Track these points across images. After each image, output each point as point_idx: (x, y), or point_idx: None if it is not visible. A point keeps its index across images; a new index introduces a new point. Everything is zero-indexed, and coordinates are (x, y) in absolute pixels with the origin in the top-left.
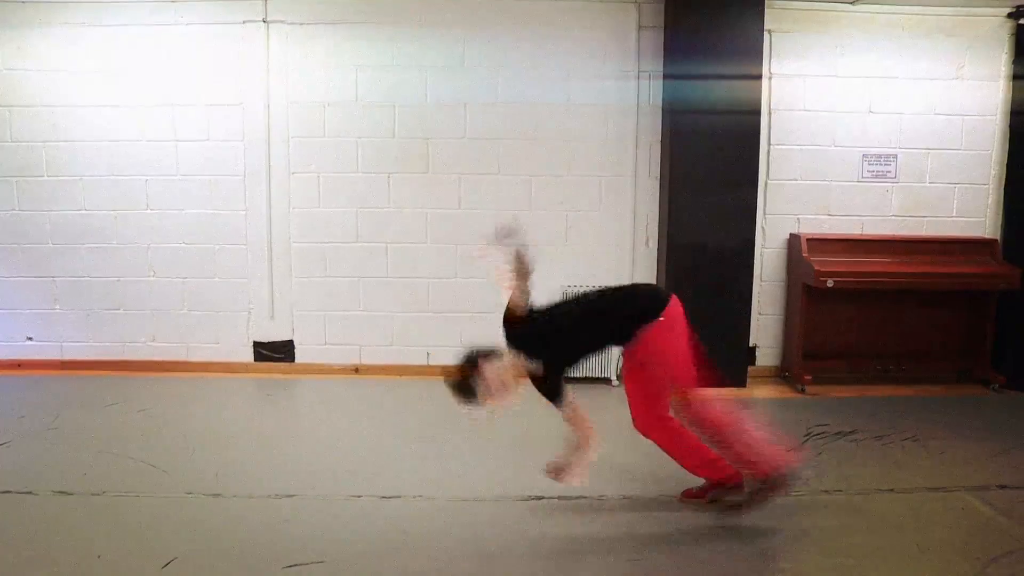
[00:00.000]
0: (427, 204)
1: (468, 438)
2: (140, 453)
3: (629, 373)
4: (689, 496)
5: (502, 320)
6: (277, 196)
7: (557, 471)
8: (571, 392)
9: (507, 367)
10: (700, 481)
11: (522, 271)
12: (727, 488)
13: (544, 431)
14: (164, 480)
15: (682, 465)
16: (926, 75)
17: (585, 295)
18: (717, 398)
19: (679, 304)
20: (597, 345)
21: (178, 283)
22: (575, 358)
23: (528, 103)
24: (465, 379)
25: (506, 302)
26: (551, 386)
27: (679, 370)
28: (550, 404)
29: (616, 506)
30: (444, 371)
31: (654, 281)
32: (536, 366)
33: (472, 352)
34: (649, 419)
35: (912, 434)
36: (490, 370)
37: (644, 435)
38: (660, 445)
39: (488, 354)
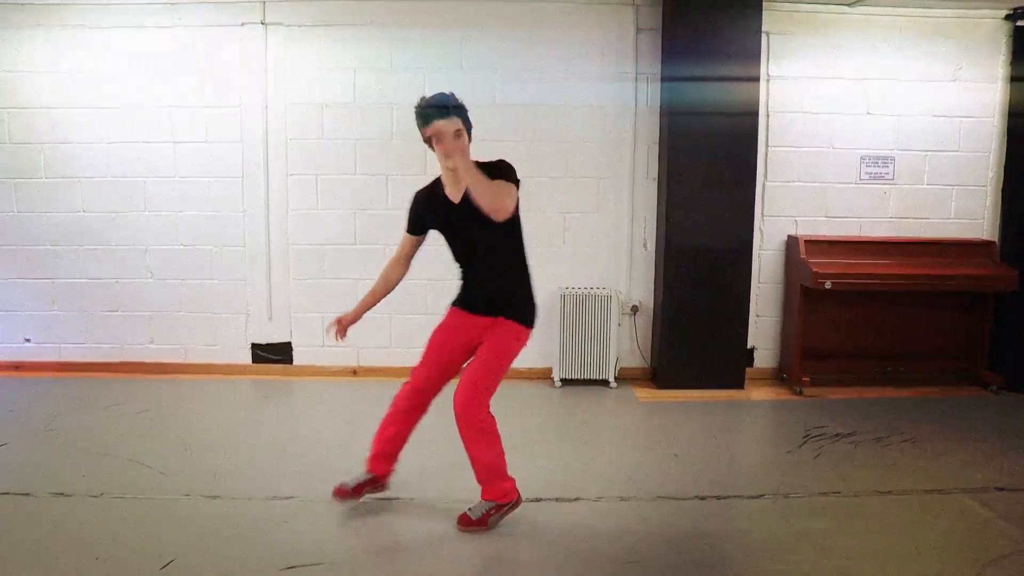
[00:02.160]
0: None
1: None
2: (138, 455)
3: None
4: (467, 524)
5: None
6: (275, 198)
7: None
8: None
9: (472, 164)
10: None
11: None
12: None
13: (541, 433)
14: (162, 482)
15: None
16: (924, 77)
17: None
18: None
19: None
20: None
21: (176, 285)
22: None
23: (526, 105)
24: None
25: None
26: None
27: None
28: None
29: (614, 507)
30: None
31: (652, 284)
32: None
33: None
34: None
35: (910, 436)
36: (465, 143)
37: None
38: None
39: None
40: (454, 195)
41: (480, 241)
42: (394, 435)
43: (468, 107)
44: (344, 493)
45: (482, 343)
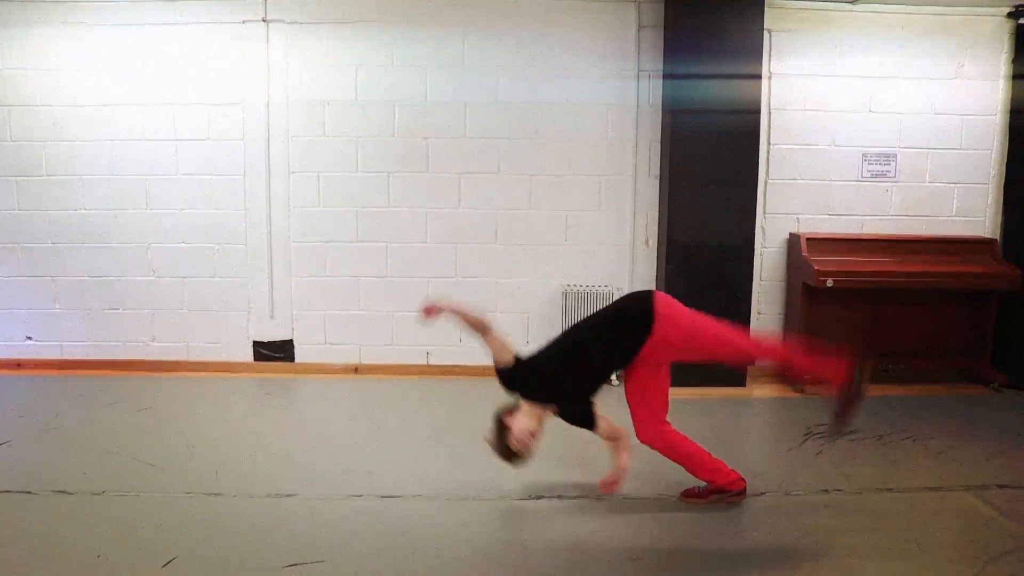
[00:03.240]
0: (427, 203)
1: (467, 438)
2: (140, 452)
3: (634, 383)
4: (689, 496)
5: (495, 370)
6: (277, 196)
7: (608, 485)
8: (600, 412)
9: (529, 413)
10: (700, 481)
11: (477, 326)
12: (729, 493)
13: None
14: (164, 479)
15: (686, 469)
16: (926, 75)
17: (572, 330)
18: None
19: (665, 297)
20: (597, 374)
21: (178, 283)
22: (579, 392)
23: (528, 102)
24: (501, 442)
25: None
26: (573, 418)
27: (708, 346)
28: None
29: (616, 506)
30: (486, 438)
31: (653, 281)
32: (547, 405)
33: (497, 413)
34: (650, 430)
35: (912, 433)
36: (515, 423)
37: (647, 445)
38: (663, 453)
39: (510, 409)
40: None
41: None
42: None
43: (470, 104)
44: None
45: None
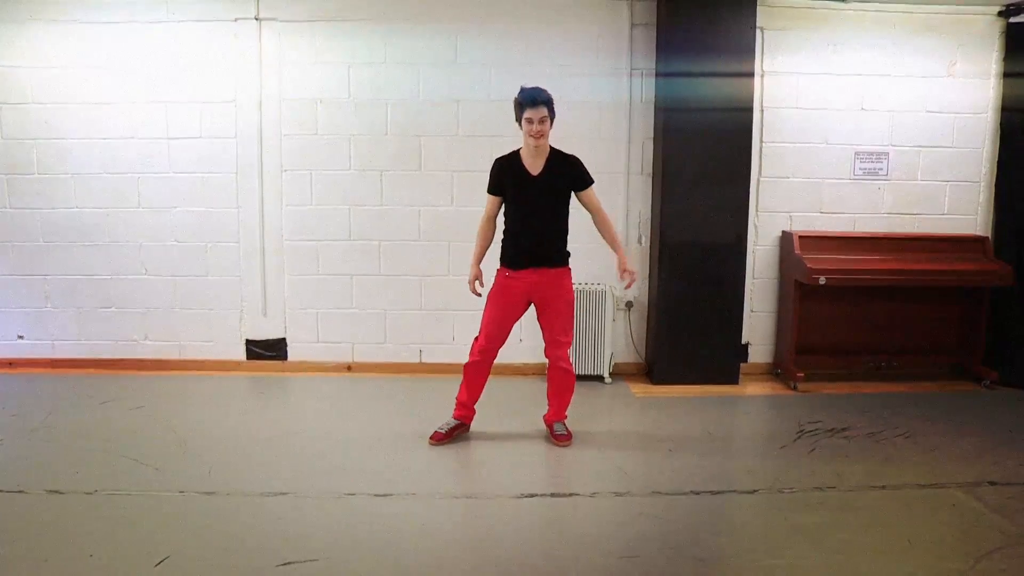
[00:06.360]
0: (420, 201)
1: (460, 436)
2: (132, 451)
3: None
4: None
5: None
6: (269, 193)
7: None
8: None
9: None
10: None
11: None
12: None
13: (535, 428)
14: (157, 478)
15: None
16: (918, 73)
17: None
18: None
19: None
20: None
21: (170, 281)
22: None
23: None
24: None
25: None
26: None
27: None
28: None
29: (610, 503)
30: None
31: (647, 280)
32: None
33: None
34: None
35: (904, 431)
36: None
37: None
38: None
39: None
40: (533, 168)
41: (548, 207)
42: (473, 389)
43: (462, 102)
44: (440, 437)
45: (545, 295)
